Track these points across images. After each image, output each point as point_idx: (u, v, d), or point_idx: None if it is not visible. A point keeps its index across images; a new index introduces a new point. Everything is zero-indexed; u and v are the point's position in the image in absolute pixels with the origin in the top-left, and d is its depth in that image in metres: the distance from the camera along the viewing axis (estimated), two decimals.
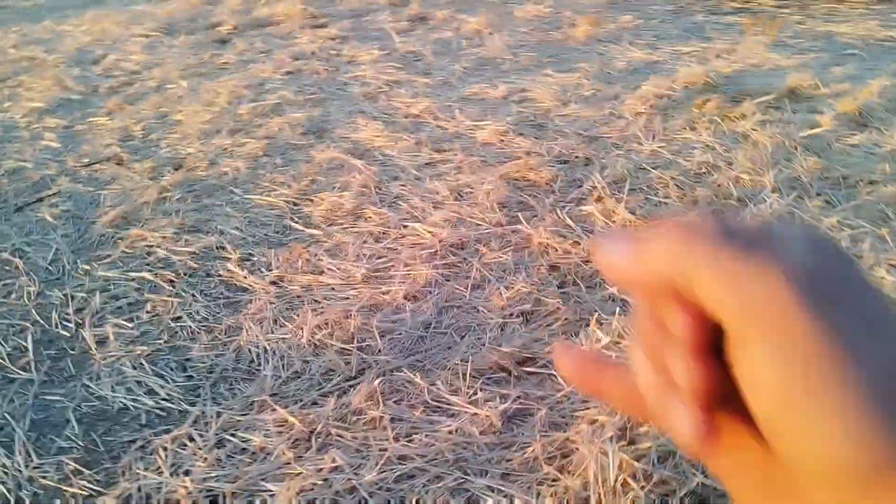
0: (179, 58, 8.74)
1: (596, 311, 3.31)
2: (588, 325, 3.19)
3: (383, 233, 4.28)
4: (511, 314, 3.38)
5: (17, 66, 8.92)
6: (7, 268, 4.22)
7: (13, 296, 3.92)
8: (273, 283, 3.85)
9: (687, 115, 5.63)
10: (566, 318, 3.26)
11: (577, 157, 5.09)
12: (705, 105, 5.66)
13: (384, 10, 10.61)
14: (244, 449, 2.85)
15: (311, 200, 4.77)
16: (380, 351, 3.17)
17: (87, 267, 4.15)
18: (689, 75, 6.38)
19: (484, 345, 3.15)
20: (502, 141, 5.43)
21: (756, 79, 6.34)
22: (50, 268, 4.21)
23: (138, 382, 3.14)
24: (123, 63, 8.71)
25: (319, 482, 2.56)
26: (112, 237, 4.49)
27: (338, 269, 3.90)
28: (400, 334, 3.31)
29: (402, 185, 4.85)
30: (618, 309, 3.22)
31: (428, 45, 8.40)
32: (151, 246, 4.32)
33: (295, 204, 4.77)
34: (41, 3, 14.27)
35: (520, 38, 8.45)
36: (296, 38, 9.31)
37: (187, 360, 3.31)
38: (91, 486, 2.67)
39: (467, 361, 3.06)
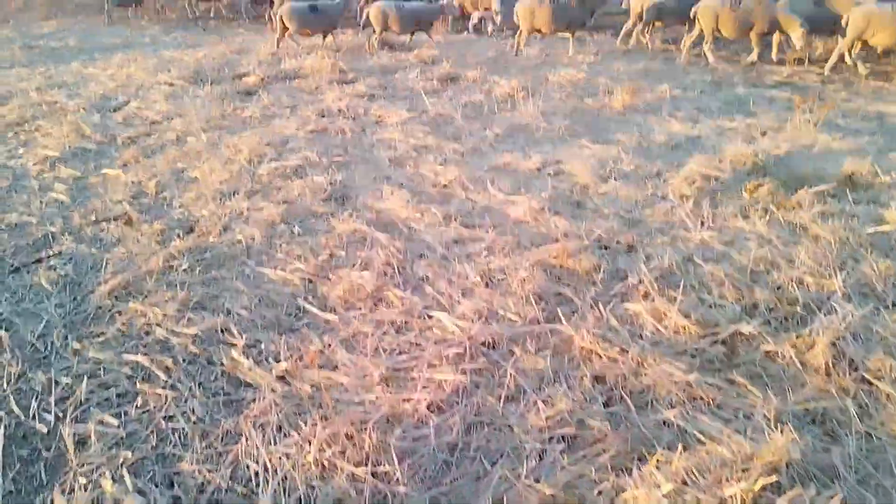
0: (202, 109, 8.50)
1: (651, 442, 2.85)
2: (643, 461, 2.73)
3: (406, 322, 3.86)
4: (551, 438, 2.92)
5: (37, 110, 8.71)
6: None
7: None
8: (280, 378, 3.42)
9: (737, 200, 5.22)
10: (616, 450, 2.80)
11: (618, 242, 4.67)
12: (757, 190, 5.25)
13: (414, 69, 10.39)
14: None
15: (329, 278, 4.37)
16: (397, 480, 2.72)
17: (79, 346, 3.75)
18: (735, 154, 6.00)
19: (520, 477, 2.69)
20: (537, 220, 5.04)
21: (808, 162, 5.94)
22: (37, 344, 3.82)
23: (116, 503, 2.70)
24: (145, 112, 8.47)
25: None
26: (109, 310, 4.10)
27: (354, 365, 3.47)
28: (422, 457, 2.86)
29: (429, 265, 4.45)
30: (680, 443, 2.76)
31: (458, 108, 8.10)
32: (151, 324, 3.92)
33: (310, 281, 4.37)
34: (71, 45, 14.28)
35: (554, 105, 8.13)
36: (323, 94, 9.07)
37: (176, 473, 2.88)
38: None
39: (500, 501, 2.60)
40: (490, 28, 14.17)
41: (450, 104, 8.31)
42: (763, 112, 7.69)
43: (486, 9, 14.54)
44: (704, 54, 10.58)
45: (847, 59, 9.54)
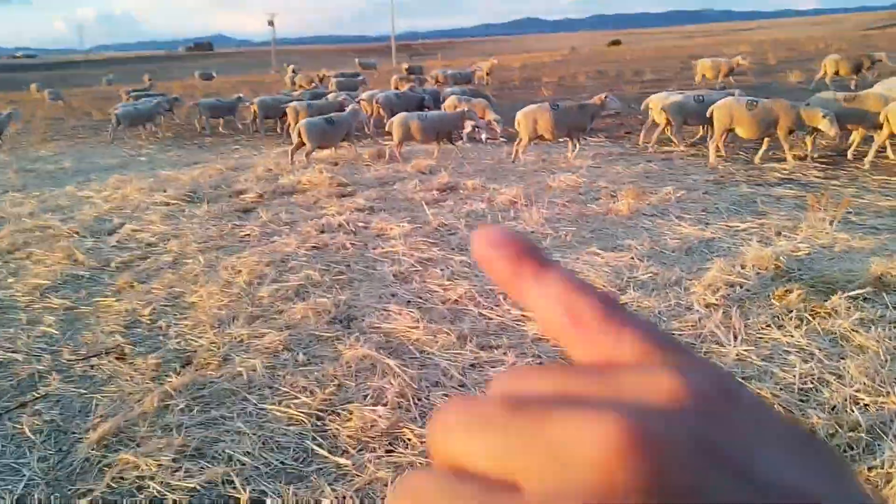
0: (199, 228, 8.32)
1: None
2: None
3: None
4: None
5: (29, 236, 8.50)
6: None
7: None
8: None
9: (768, 308, 4.94)
10: None
11: None
12: (787, 297, 4.98)
13: (412, 179, 10.33)
14: None
15: (338, 414, 4.02)
16: None
17: None
18: (756, 259, 5.76)
19: None
20: None
21: (833, 264, 5.71)
22: None
23: None
24: (140, 234, 8.28)
25: None
26: (98, 463, 3.71)
27: None
28: None
29: (446, 395, 4.10)
30: None
31: (461, 218, 7.95)
32: (143, 477, 3.53)
33: (318, 418, 4.01)
34: (66, 167, 14.30)
35: (558, 211, 7.98)
36: (322, 209, 8.93)
37: None
38: None
39: None
40: (484, 136, 14.31)
41: (451, 214, 8.16)
42: (773, 211, 7.54)
43: (479, 118, 14.74)
44: (708, 153, 10.59)
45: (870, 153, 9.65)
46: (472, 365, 4.53)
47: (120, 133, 18.69)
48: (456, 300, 5.57)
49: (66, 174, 13.58)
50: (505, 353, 4.58)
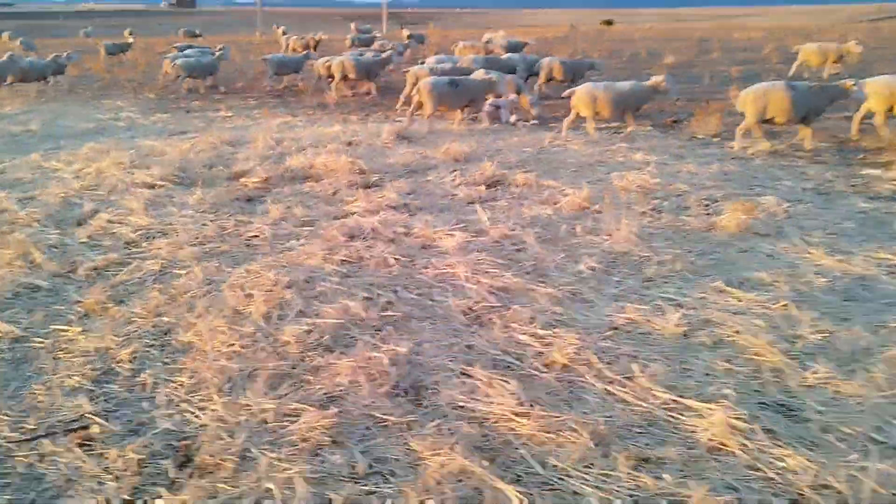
0: (193, 223, 6.63)
1: None
2: None
3: None
4: None
5: None
6: None
7: None
8: None
9: None
10: None
11: None
12: None
13: (447, 168, 8.68)
14: None
15: None
16: None
17: None
18: None
19: None
20: (745, 446, 3.16)
21: None
22: None
23: None
24: (118, 227, 6.57)
25: None
26: None
27: None
28: None
29: None
30: None
31: (526, 227, 6.32)
32: None
33: None
34: (33, 130, 12.42)
35: (646, 224, 6.38)
36: (345, 203, 7.26)
37: None
38: None
39: None
40: (513, 118, 12.62)
41: (512, 220, 6.53)
42: None
43: (497, 95, 13.05)
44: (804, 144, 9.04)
45: None
46: (622, 485, 2.95)
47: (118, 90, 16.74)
48: (565, 364, 3.97)
49: (33, 139, 11.72)
50: (667, 472, 3.00)
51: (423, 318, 4.62)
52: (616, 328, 4.45)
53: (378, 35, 32.06)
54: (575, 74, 15.60)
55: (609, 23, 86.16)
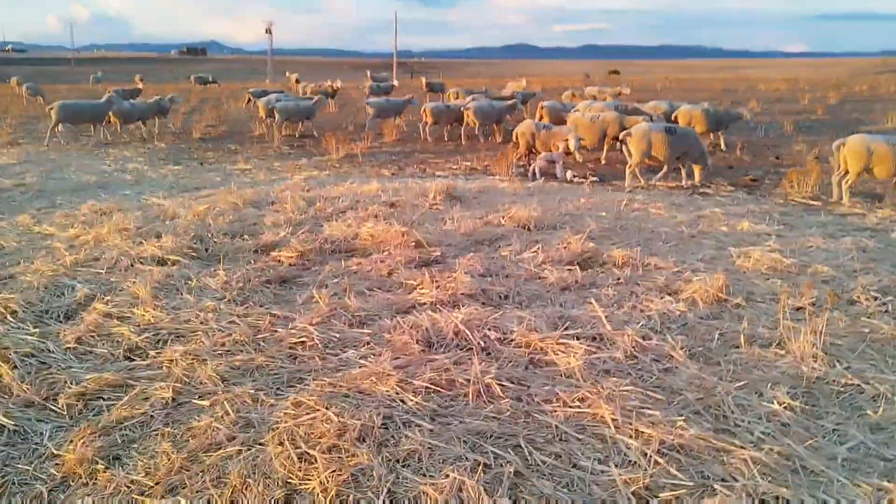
0: (217, 320, 5.04)
1: None
2: None
3: None
4: None
5: None
6: None
7: None
8: None
9: None
10: None
11: None
12: None
13: (514, 238, 7.15)
14: None
15: None
16: None
17: None
18: None
19: None
20: None
21: None
22: None
23: None
24: (117, 326, 4.98)
25: None
26: None
27: None
28: None
29: None
30: None
31: (660, 331, 4.74)
32: None
33: None
34: (28, 184, 10.96)
35: (829, 328, 4.75)
36: (406, 288, 5.70)
37: None
38: None
39: None
40: (570, 174, 11.15)
41: (636, 322, 4.93)
42: None
43: (548, 150, 11.65)
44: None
45: None
46: None
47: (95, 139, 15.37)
48: None
49: (26, 194, 10.23)
50: None
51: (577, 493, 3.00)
52: None
53: (396, 84, 30.92)
54: (719, 124, 14.10)
55: (616, 72, 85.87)
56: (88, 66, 77.40)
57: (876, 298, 5.40)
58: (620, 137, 10.67)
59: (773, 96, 28.86)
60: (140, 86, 31.75)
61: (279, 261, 6.49)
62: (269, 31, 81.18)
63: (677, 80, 49.68)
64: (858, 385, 4.03)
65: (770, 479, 3.15)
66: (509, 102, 17.22)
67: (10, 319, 5.11)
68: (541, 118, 14.99)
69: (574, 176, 11.17)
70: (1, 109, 25.29)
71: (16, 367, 4.34)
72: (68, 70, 74.04)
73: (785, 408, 3.76)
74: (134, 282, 5.83)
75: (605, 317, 4.92)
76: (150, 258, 6.51)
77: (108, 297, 5.51)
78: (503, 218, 7.93)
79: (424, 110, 16.45)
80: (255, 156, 14.47)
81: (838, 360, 4.34)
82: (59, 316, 5.23)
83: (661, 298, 5.40)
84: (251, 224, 7.84)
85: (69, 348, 4.66)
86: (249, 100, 23.81)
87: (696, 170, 10.46)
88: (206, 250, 6.82)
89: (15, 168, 12.70)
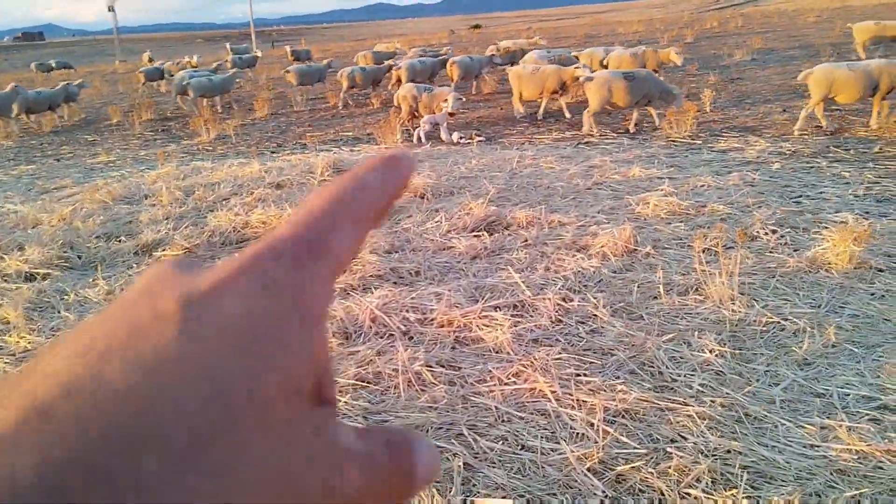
0: None
1: None
2: None
3: None
4: None
5: None
6: None
7: None
8: None
9: None
10: None
11: None
12: None
13: (414, 208, 6.91)
14: None
15: None
16: None
17: None
18: None
19: None
20: None
21: None
22: None
23: None
24: None
25: None
26: None
27: None
28: None
29: None
30: None
31: (580, 290, 4.66)
32: None
33: None
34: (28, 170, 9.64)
35: (737, 270, 4.82)
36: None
37: None
38: None
39: None
40: (455, 136, 10.97)
41: (554, 284, 4.83)
42: None
43: (431, 112, 11.44)
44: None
45: None
46: None
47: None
48: None
49: (25, 178, 8.99)
50: None
51: (538, 494, 2.85)
52: (843, 472, 2.85)
53: (259, 54, 29.56)
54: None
55: (477, 27, 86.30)
56: None
57: (775, 232, 5.55)
58: (582, 83, 10.58)
59: (635, 38, 29.67)
60: None
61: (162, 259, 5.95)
62: (111, 8, 75.86)
63: (541, 30, 50.32)
64: (778, 322, 4.09)
65: (719, 433, 3.12)
66: (440, 58, 16.78)
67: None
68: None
69: (461, 137, 11.00)
70: None
71: None
72: None
73: (716, 355, 3.76)
74: (0, 304, 5.17)
75: (523, 282, 4.79)
76: (16, 275, 5.82)
77: None
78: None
79: (342, 74, 15.88)
80: (116, 146, 13.41)
81: (755, 300, 4.40)
82: None
83: (573, 256, 5.33)
84: (125, 223, 7.19)
85: None
86: (144, 81, 22.24)
87: (663, 112, 10.31)
88: (79, 258, 6.18)
89: None
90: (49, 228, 7.04)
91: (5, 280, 5.73)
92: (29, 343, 4.53)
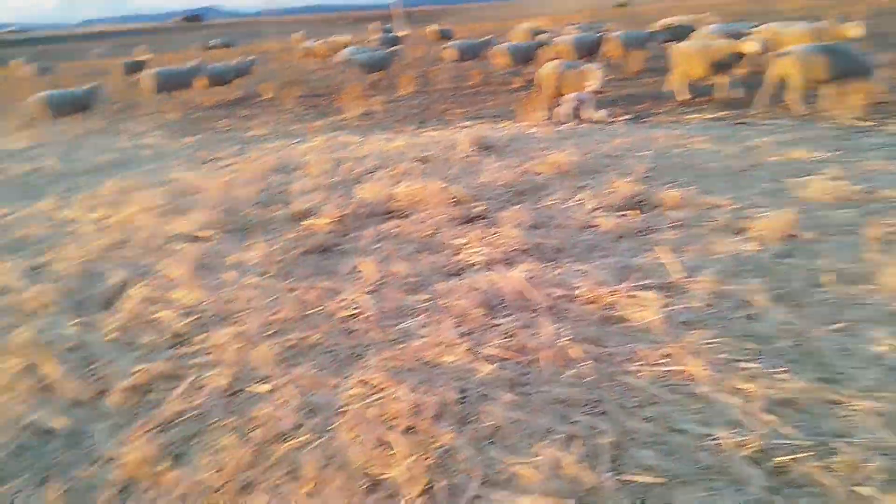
0: (261, 297, 4.79)
1: None
2: None
3: None
4: None
5: None
6: None
7: None
8: None
9: None
10: None
11: None
12: None
13: (558, 186, 6.80)
14: None
15: None
16: None
17: None
18: None
19: None
20: None
21: None
22: None
23: None
24: (158, 310, 4.74)
25: None
26: None
27: None
28: None
29: None
30: None
31: (736, 275, 4.42)
32: None
33: None
34: (45, 167, 10.71)
35: None
36: (453, 249, 5.39)
37: None
38: None
39: None
40: (600, 114, 10.68)
41: (707, 267, 4.61)
42: None
43: (575, 90, 11.16)
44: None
45: None
46: None
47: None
48: None
49: (44, 179, 9.99)
50: None
51: (690, 479, 2.73)
52: None
53: (404, 34, 30.07)
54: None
55: (623, 5, 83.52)
56: (89, 41, 76.69)
57: None
58: (773, 58, 9.93)
59: (795, 16, 27.72)
60: (144, 57, 31.16)
61: (314, 230, 6.20)
62: None
63: (689, 7, 48.05)
64: None
65: (894, 431, 2.86)
66: (599, 34, 16.30)
67: (48, 311, 4.89)
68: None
69: (607, 115, 10.72)
70: (6, 94, 24.94)
71: (60, 363, 4.12)
72: (70, 48, 73.34)
73: (892, 350, 3.45)
74: (169, 262, 5.58)
75: (672, 263, 4.60)
76: (182, 236, 6.27)
77: (145, 282, 5.27)
78: (540, 165, 7.55)
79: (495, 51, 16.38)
80: (269, 120, 14.10)
81: None
82: (96, 303, 5.01)
83: (728, 239, 5.06)
84: (279, 192, 7.55)
85: (111, 339, 4.43)
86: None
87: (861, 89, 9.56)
88: (239, 223, 6.55)
89: (29, 152, 12.45)
90: (211, 195, 7.51)
91: (174, 239, 6.17)
92: (193, 299, 4.85)
